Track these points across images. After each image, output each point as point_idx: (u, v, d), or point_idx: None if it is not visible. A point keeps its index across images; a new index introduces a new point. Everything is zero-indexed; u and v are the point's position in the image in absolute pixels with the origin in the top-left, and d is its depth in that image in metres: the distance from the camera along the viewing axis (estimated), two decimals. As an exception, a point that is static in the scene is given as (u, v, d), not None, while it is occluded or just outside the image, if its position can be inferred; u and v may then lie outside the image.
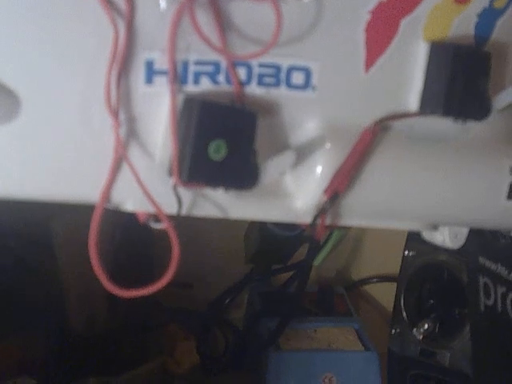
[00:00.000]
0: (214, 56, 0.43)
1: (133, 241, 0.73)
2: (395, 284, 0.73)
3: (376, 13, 0.45)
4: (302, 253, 0.72)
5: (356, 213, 0.48)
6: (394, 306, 0.73)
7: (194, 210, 0.45)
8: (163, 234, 0.43)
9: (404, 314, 0.72)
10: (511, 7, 0.47)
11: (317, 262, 0.67)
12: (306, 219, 0.47)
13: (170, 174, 0.43)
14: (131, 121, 0.43)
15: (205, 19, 0.42)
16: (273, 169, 0.44)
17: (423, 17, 0.46)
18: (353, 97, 0.46)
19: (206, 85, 0.44)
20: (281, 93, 0.45)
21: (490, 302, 0.59)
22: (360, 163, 0.46)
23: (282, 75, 0.45)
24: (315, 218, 0.46)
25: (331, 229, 0.52)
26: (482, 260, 0.60)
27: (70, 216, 0.68)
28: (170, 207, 0.44)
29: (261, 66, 0.44)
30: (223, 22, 0.43)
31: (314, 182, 0.46)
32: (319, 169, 0.46)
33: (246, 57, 0.43)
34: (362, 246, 0.88)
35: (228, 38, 0.43)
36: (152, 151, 0.44)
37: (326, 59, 0.45)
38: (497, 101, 0.47)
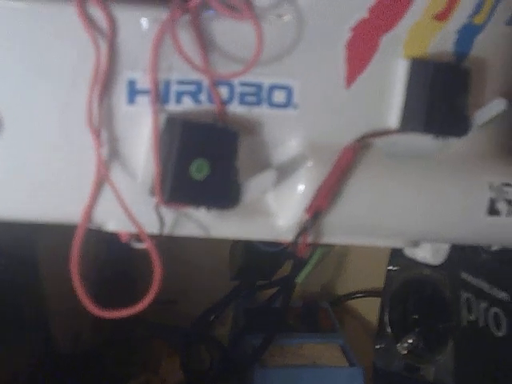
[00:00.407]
0: (196, 75, 0.43)
1: (118, 257, 0.72)
2: (380, 299, 0.74)
3: (357, 30, 0.45)
4: (286, 269, 0.73)
5: (338, 230, 0.48)
6: (379, 320, 0.73)
7: (177, 230, 0.45)
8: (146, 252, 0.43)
9: (388, 329, 0.72)
10: (490, 23, 0.47)
11: (299, 279, 0.67)
12: (289, 237, 0.47)
13: (152, 193, 0.43)
14: (113, 140, 0.43)
15: (187, 38, 0.42)
16: (254, 188, 0.45)
17: (403, 34, 0.46)
18: (334, 114, 0.47)
19: (188, 104, 0.44)
20: (262, 111, 0.45)
21: (473, 317, 0.59)
22: (341, 181, 0.46)
23: (264, 94, 0.45)
24: (297, 236, 0.47)
25: (314, 247, 0.51)
26: (464, 275, 0.60)
27: (54, 232, 0.67)
28: (152, 227, 0.44)
29: (242, 84, 0.44)
30: (205, 42, 0.43)
31: (296, 200, 0.46)
32: (301, 187, 0.46)
33: (227, 76, 0.44)
34: (346, 261, 0.88)
35: (210, 57, 0.43)
36: (134, 171, 0.44)
37: (307, 77, 0.45)
38: (477, 117, 0.48)
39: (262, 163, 0.46)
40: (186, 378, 0.78)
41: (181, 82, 0.43)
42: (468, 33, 0.47)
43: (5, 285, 0.67)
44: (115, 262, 0.74)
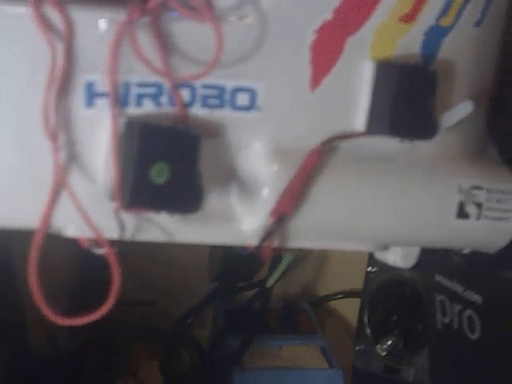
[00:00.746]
0: (156, 78, 0.43)
1: (99, 262, 0.72)
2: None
3: (321, 32, 0.44)
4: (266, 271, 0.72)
5: (304, 234, 0.47)
6: (358, 322, 0.73)
7: (138, 235, 0.45)
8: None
9: (368, 330, 0.71)
10: (458, 25, 0.47)
11: (269, 283, 0.66)
12: (254, 242, 0.46)
13: (112, 198, 0.42)
14: (71, 144, 0.42)
15: (147, 40, 0.42)
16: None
17: (369, 36, 0.45)
18: (299, 117, 0.46)
19: (148, 107, 0.43)
20: (225, 114, 0.44)
21: (447, 320, 0.59)
22: (307, 184, 0.45)
23: (227, 96, 0.44)
24: (262, 240, 0.46)
25: (280, 251, 0.51)
26: (438, 277, 0.60)
27: (29, 234, 0.67)
28: (112, 232, 0.43)
29: (205, 87, 0.44)
30: (166, 43, 0.42)
31: (261, 204, 0.46)
32: (265, 191, 0.45)
33: (188, 78, 0.43)
34: (327, 262, 0.87)
35: (171, 59, 0.42)
36: (93, 175, 0.43)
37: (271, 79, 0.45)
38: (444, 119, 0.47)
39: (225, 166, 0.45)
40: (166, 380, 0.77)
41: (141, 85, 0.42)
42: (435, 35, 0.46)
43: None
44: (95, 266, 0.73)
